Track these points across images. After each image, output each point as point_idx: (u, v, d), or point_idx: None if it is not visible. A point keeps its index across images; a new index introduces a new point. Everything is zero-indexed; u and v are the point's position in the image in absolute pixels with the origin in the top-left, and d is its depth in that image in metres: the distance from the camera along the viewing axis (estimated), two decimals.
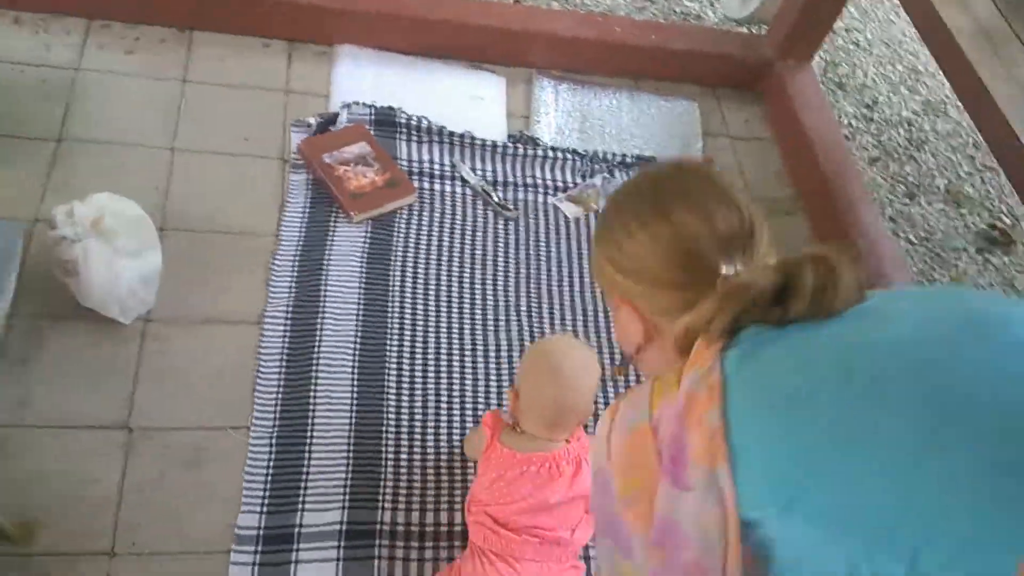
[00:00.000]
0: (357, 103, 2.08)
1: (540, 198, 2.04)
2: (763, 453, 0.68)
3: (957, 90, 1.88)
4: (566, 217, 2.02)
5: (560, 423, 1.30)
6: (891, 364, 0.67)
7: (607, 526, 0.82)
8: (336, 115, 2.05)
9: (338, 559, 1.37)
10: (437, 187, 1.99)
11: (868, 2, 3.10)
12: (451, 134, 2.07)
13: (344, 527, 1.41)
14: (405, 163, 2.01)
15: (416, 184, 1.96)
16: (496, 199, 1.99)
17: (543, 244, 1.95)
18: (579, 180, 2.10)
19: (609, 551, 0.83)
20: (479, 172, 2.04)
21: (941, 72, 2.57)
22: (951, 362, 0.65)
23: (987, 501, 0.59)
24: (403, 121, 2.06)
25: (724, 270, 0.83)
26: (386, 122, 2.06)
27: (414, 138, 2.06)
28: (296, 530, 1.39)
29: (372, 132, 2.03)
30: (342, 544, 1.39)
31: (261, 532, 1.38)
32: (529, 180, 2.06)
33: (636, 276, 0.88)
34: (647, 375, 0.94)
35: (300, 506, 1.42)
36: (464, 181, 2.01)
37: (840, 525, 0.64)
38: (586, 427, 1.49)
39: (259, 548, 1.37)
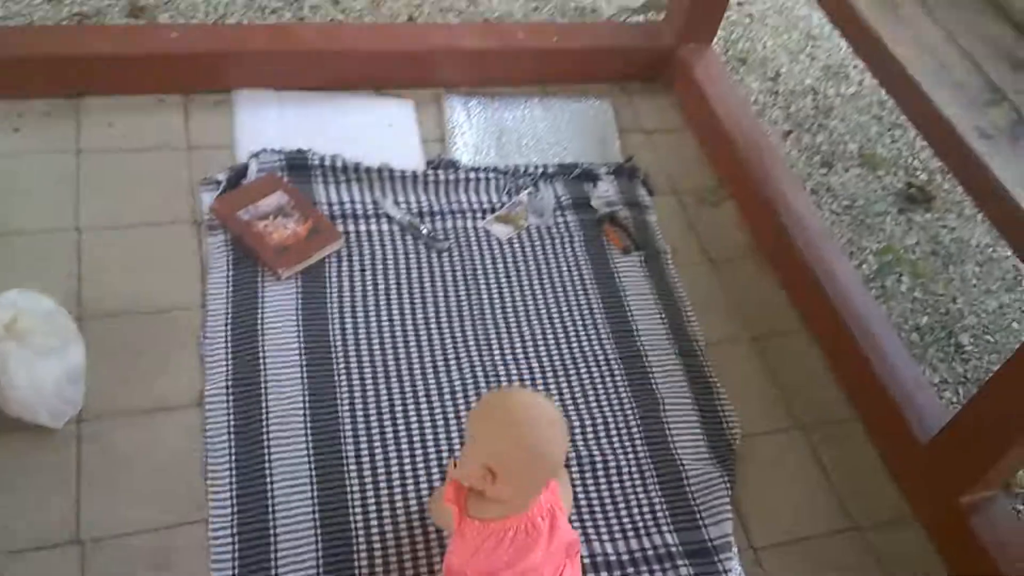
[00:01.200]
0: (265, 150, 2.01)
1: (469, 223, 2.00)
2: None
3: (860, 55, 1.90)
4: (498, 239, 1.98)
5: (540, 485, 1.25)
6: None
7: None
8: (245, 166, 1.97)
9: None
10: (363, 227, 1.93)
11: None
12: (368, 169, 2.00)
13: None
14: (326, 207, 1.94)
15: (340, 228, 1.90)
16: (425, 232, 1.94)
17: (480, 271, 1.91)
18: (505, 199, 2.06)
19: None
20: (403, 205, 1.99)
21: (836, 34, 2.61)
22: None
23: None
24: (316, 163, 1.99)
25: None
26: (299, 166, 1.99)
27: (331, 179, 1.99)
28: None
29: (286, 179, 1.95)
30: None
31: None
32: (455, 206, 2.02)
33: None
34: None
35: None
36: (390, 217, 1.96)
37: None
38: None
39: None
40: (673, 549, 1.55)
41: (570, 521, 1.52)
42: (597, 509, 1.58)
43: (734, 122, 2.28)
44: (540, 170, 2.14)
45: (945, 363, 2.10)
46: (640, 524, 1.57)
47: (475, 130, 2.22)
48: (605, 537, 1.54)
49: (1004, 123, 1.63)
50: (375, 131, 2.17)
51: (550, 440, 1.22)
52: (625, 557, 1.52)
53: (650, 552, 1.54)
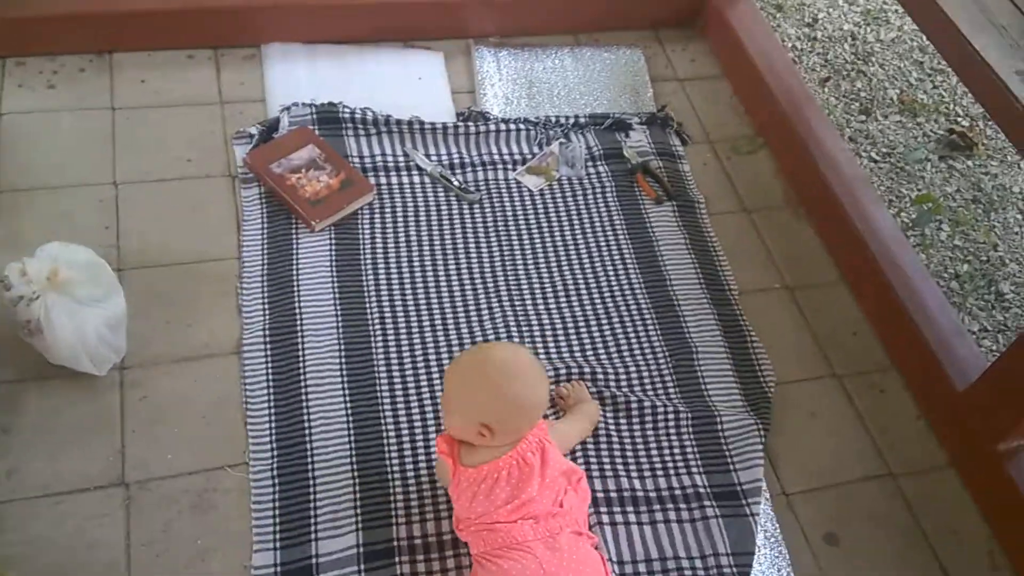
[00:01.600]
0: (296, 104, 2.01)
1: (500, 175, 2.00)
2: None
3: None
4: (529, 190, 1.98)
5: (529, 428, 1.30)
6: None
7: None
8: (277, 120, 1.98)
9: None
10: (394, 180, 1.93)
11: None
12: (399, 122, 2.00)
13: (361, 550, 1.38)
14: (357, 160, 1.95)
15: (372, 180, 1.91)
16: (456, 183, 1.94)
17: (511, 221, 1.91)
18: (536, 149, 2.05)
19: None
20: (434, 157, 1.99)
21: None
22: None
23: None
24: (347, 116, 1.99)
25: None
26: (330, 119, 1.99)
27: (361, 132, 1.99)
28: (313, 561, 1.36)
29: (317, 132, 1.96)
30: (362, 568, 1.37)
31: (278, 569, 1.35)
32: (486, 158, 2.02)
33: None
34: None
35: (313, 535, 1.39)
36: (420, 169, 1.96)
37: None
38: None
39: None
40: (701, 490, 1.55)
41: (598, 457, 1.56)
42: (628, 449, 1.59)
43: (770, 69, 2.24)
44: (571, 121, 2.13)
45: (985, 311, 2.07)
46: (670, 465, 1.58)
47: (505, 81, 2.21)
48: (635, 474, 1.55)
49: None
50: (405, 84, 2.16)
51: (530, 388, 1.28)
52: (653, 494, 1.53)
53: (678, 491, 1.55)
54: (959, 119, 2.48)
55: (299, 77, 2.10)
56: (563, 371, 1.66)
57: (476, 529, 1.29)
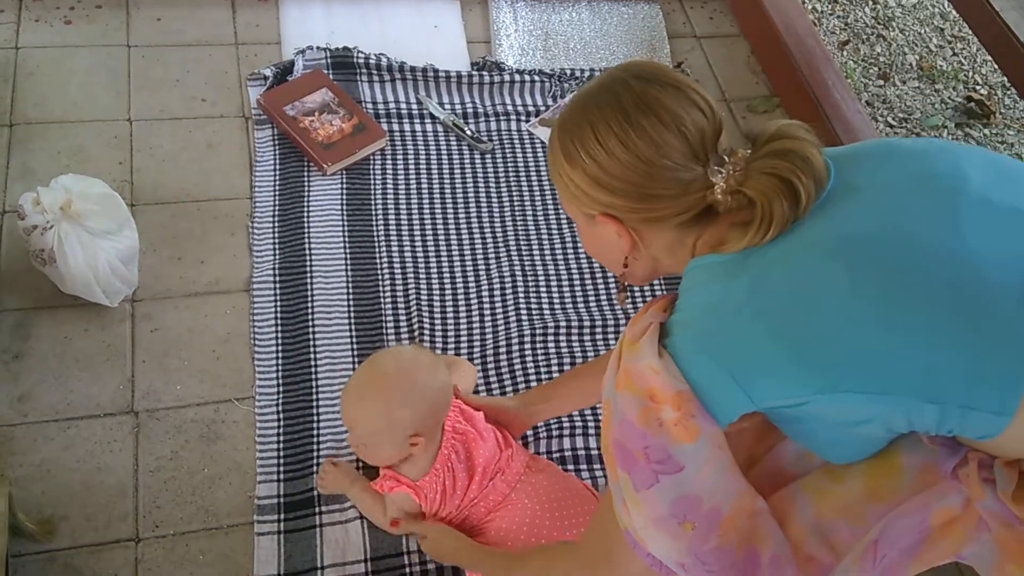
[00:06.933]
0: (311, 47, 2.01)
1: (513, 125, 1.99)
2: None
3: None
4: (542, 141, 1.98)
5: (446, 408, 1.30)
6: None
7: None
8: (292, 63, 1.98)
9: (361, 517, 1.38)
10: (407, 127, 1.93)
11: None
12: (413, 69, 2.00)
13: None
14: (370, 105, 1.95)
15: (385, 126, 1.91)
16: (469, 132, 1.94)
17: (522, 172, 1.92)
18: (550, 101, 2.05)
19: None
20: (447, 106, 1.98)
21: None
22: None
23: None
24: (361, 61, 1.99)
25: (715, 176, 0.85)
26: (344, 64, 1.99)
27: (375, 78, 1.99)
28: (316, 493, 1.39)
29: (331, 76, 1.96)
30: None
31: (282, 500, 1.38)
32: (499, 108, 2.01)
33: (623, 191, 0.86)
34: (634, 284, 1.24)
35: (315, 469, 1.42)
36: (433, 117, 1.96)
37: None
38: None
39: (282, 516, 1.37)
40: None
41: (594, 415, 1.57)
42: None
43: (788, 29, 2.22)
44: (587, 74, 2.12)
45: None
46: None
47: (521, 32, 2.19)
48: None
49: None
50: (421, 31, 2.15)
51: (432, 371, 1.26)
52: None
53: None
54: (977, 87, 2.46)
55: (315, 21, 2.10)
56: (563, 322, 1.67)
57: (459, 514, 1.30)
